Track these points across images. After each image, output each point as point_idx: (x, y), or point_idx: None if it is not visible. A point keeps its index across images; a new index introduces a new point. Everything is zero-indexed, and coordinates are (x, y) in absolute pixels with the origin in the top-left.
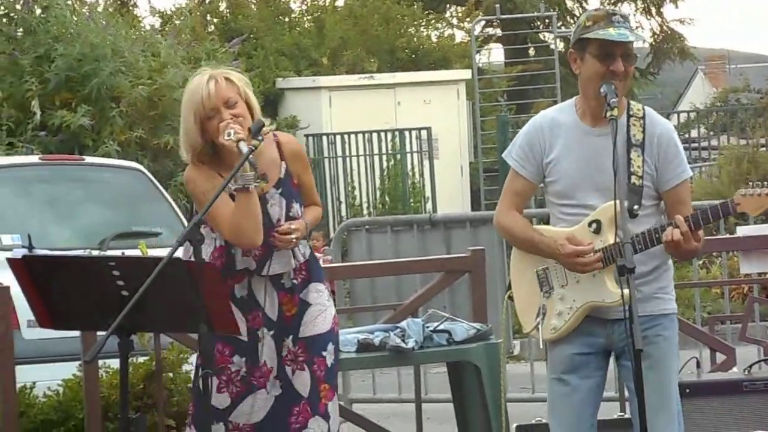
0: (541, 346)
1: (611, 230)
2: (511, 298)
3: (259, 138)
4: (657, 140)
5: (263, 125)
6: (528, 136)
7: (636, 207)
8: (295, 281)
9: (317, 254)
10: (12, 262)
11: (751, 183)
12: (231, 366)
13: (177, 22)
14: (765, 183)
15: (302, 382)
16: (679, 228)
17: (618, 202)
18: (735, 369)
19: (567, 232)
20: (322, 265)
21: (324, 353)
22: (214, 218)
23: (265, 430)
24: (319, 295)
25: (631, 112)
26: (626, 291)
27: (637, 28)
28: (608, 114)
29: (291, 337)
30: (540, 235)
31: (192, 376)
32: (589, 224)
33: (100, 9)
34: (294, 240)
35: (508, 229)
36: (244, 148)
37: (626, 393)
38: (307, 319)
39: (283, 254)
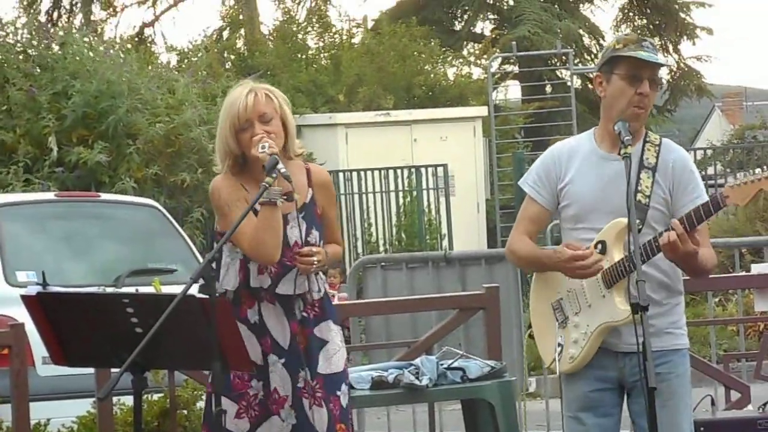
0: (557, 374)
1: (617, 248)
2: (531, 336)
3: (273, 175)
4: (672, 165)
5: (277, 163)
6: (545, 164)
7: (637, 222)
8: (305, 314)
9: (333, 291)
10: (26, 299)
11: (740, 173)
12: (250, 390)
13: (194, 59)
14: (751, 171)
15: (320, 419)
16: (675, 230)
17: (632, 237)
18: (750, 407)
19: (567, 242)
20: (337, 303)
21: (338, 393)
22: (236, 233)
23: None
24: (334, 334)
25: (647, 139)
26: (638, 320)
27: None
28: (622, 152)
29: (308, 370)
30: (542, 251)
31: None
32: (595, 246)
33: (116, 46)
34: (315, 263)
35: (515, 251)
36: (278, 164)
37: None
38: (324, 356)
39: (297, 276)
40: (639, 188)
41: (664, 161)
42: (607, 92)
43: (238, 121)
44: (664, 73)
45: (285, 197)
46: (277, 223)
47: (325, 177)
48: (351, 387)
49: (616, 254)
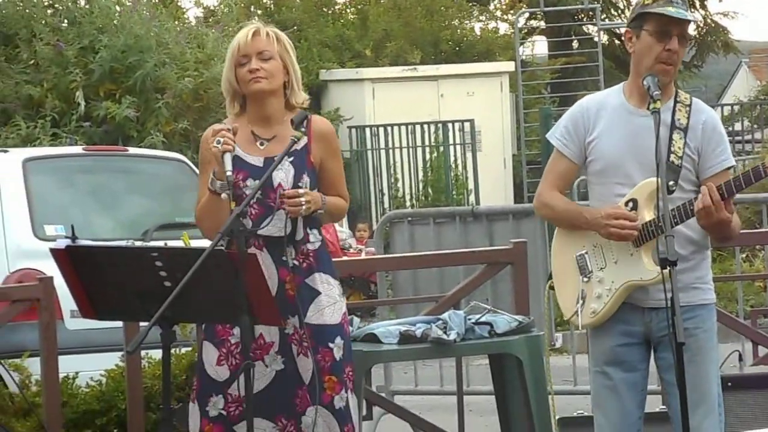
0: (580, 329)
1: (648, 208)
2: (552, 288)
3: (302, 129)
4: (702, 126)
5: (306, 116)
6: (573, 117)
7: (671, 183)
8: (296, 262)
9: (360, 246)
10: (55, 253)
11: None
12: (231, 338)
13: (224, 9)
14: None
15: (305, 367)
16: (712, 195)
17: (660, 191)
18: None
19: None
20: (365, 257)
21: (331, 345)
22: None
23: (264, 401)
24: (329, 287)
25: (678, 98)
26: (668, 277)
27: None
28: (651, 106)
29: (297, 317)
30: (580, 206)
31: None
32: (626, 203)
33: (144, 0)
34: (303, 204)
35: (549, 205)
36: (227, 163)
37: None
38: (315, 306)
39: (281, 219)
40: (672, 149)
41: (695, 122)
42: (636, 48)
43: (237, 54)
44: (691, 29)
45: (228, 192)
46: (216, 211)
47: (325, 127)
48: (353, 341)
49: (647, 214)
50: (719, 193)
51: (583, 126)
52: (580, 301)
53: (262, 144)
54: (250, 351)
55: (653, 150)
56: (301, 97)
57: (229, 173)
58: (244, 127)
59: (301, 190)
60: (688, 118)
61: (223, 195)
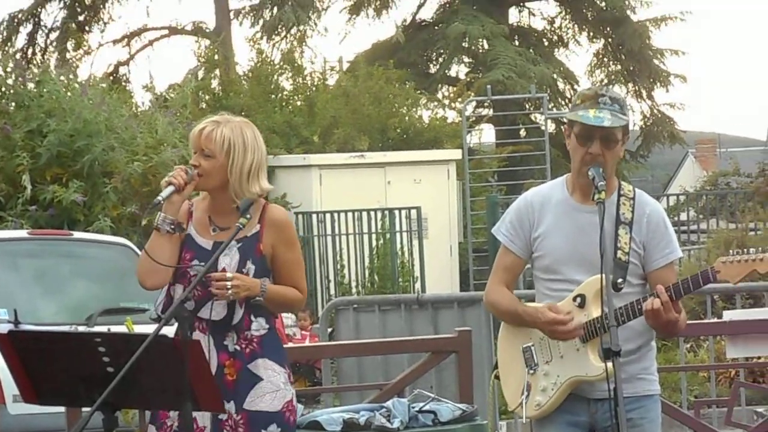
0: (524, 421)
1: (595, 304)
2: (497, 377)
3: (247, 216)
4: (646, 220)
5: (252, 203)
6: (518, 212)
7: (620, 281)
8: (237, 347)
9: (306, 332)
10: None
11: (731, 251)
12: (167, 420)
13: (172, 96)
14: (744, 250)
15: None
16: (660, 297)
17: (604, 281)
18: None
19: (550, 303)
20: (309, 343)
21: None
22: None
23: None
24: (273, 374)
25: (621, 192)
26: (611, 371)
27: (627, 106)
28: (596, 197)
29: (233, 403)
30: (523, 306)
31: None
32: (574, 299)
33: (94, 85)
34: (229, 290)
35: (494, 303)
36: (165, 192)
37: None
38: (255, 392)
39: (222, 303)
40: (618, 245)
41: (639, 215)
42: (569, 147)
43: (192, 146)
44: (636, 119)
45: (173, 227)
46: (157, 249)
47: (280, 216)
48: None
49: (594, 310)
50: (668, 295)
51: (528, 221)
52: (525, 393)
53: (215, 230)
54: (175, 426)
55: (598, 247)
56: (254, 191)
57: (158, 199)
58: (204, 212)
59: (228, 274)
60: (633, 211)
61: (166, 229)
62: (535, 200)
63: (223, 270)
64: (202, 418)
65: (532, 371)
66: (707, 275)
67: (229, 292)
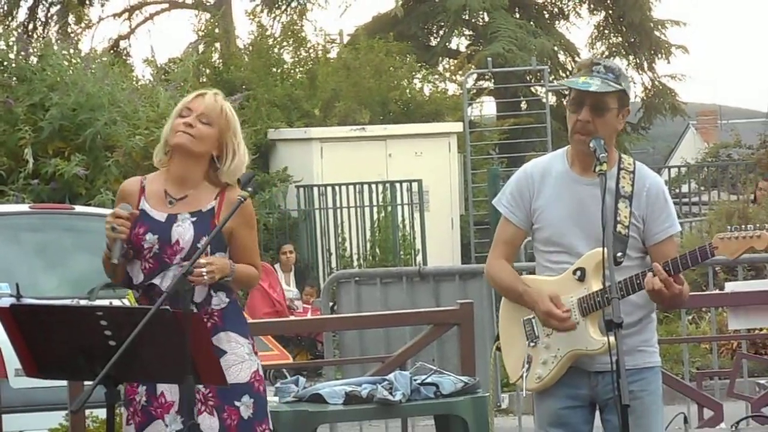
0: (524, 394)
1: (595, 278)
2: (499, 348)
3: (249, 189)
4: (646, 193)
5: (253, 176)
6: (518, 183)
7: (620, 254)
8: None
9: (307, 305)
10: None
11: (729, 227)
12: (136, 396)
13: (173, 69)
14: (743, 227)
15: (210, 427)
16: (659, 276)
17: (605, 253)
18: (722, 425)
19: (552, 288)
20: (311, 316)
21: (237, 403)
22: None
23: None
24: (236, 346)
25: (622, 165)
26: (614, 344)
27: (626, 77)
28: (597, 168)
29: None
30: (525, 287)
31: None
32: (574, 272)
33: (97, 59)
34: (205, 276)
35: (495, 278)
36: (117, 249)
37: None
38: (221, 365)
39: (173, 276)
40: (618, 219)
41: (639, 189)
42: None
43: (183, 106)
44: (637, 91)
45: (123, 257)
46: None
47: (236, 197)
48: (263, 399)
49: (594, 284)
50: (665, 270)
51: (528, 192)
52: (526, 366)
53: (171, 203)
54: (155, 409)
55: (599, 219)
56: (233, 178)
57: (114, 261)
58: (159, 185)
59: (202, 260)
60: (633, 185)
61: (115, 259)
62: (535, 171)
63: (177, 243)
64: (171, 392)
65: (533, 344)
66: (705, 251)
67: (206, 278)
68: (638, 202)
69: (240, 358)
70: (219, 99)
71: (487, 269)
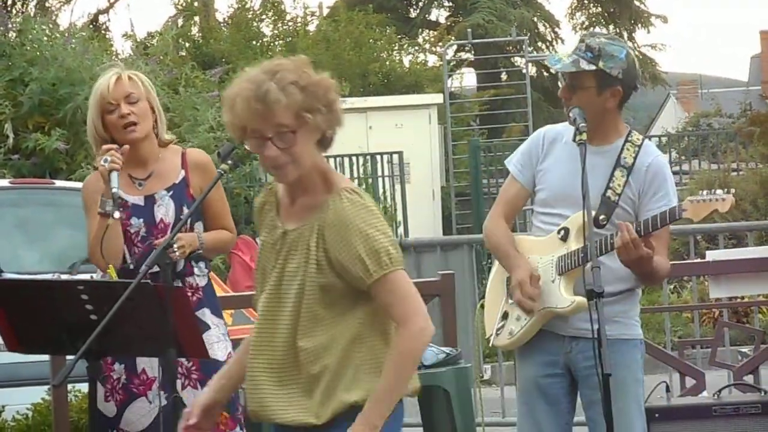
0: (495, 346)
1: (577, 239)
2: (483, 306)
3: (229, 162)
4: (646, 169)
5: (234, 148)
6: (529, 144)
7: (602, 217)
8: None
9: None
10: None
11: (701, 191)
12: (113, 374)
13: (153, 43)
14: (712, 191)
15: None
16: (627, 233)
17: (586, 218)
18: (705, 393)
19: (537, 248)
20: None
21: None
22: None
23: None
24: (218, 325)
25: (629, 138)
26: (585, 305)
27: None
28: (576, 138)
29: None
30: (514, 251)
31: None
32: (558, 232)
33: (77, 34)
34: (177, 252)
35: (489, 236)
36: (114, 179)
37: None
38: (205, 339)
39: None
40: (611, 185)
41: (640, 163)
42: None
43: (104, 102)
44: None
45: (120, 209)
46: (110, 237)
47: (201, 158)
48: None
49: (575, 244)
50: (636, 230)
51: (536, 154)
52: (501, 322)
53: (140, 185)
54: (136, 387)
55: (597, 186)
56: (165, 129)
57: (115, 190)
58: (122, 171)
59: (175, 237)
60: (635, 158)
61: (116, 214)
62: (548, 135)
63: (161, 221)
64: (152, 368)
65: (511, 300)
66: (674, 211)
67: (177, 254)
68: (637, 176)
69: (221, 338)
70: (125, 73)
71: (485, 225)
